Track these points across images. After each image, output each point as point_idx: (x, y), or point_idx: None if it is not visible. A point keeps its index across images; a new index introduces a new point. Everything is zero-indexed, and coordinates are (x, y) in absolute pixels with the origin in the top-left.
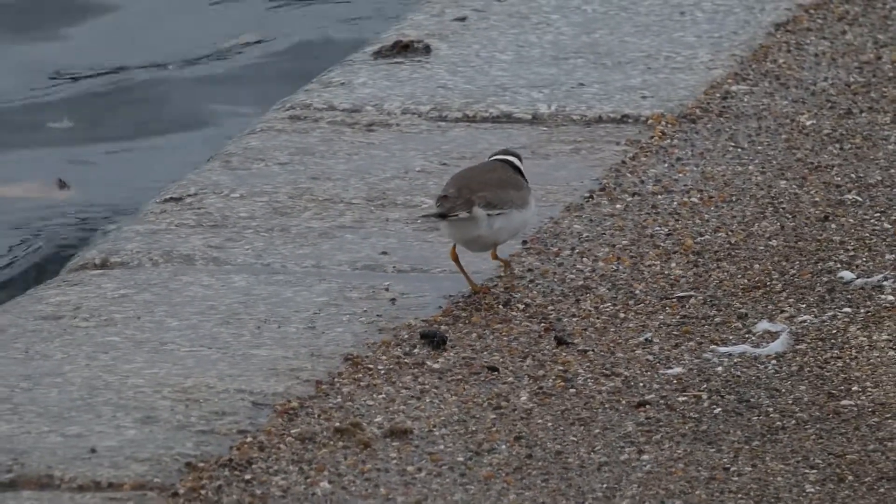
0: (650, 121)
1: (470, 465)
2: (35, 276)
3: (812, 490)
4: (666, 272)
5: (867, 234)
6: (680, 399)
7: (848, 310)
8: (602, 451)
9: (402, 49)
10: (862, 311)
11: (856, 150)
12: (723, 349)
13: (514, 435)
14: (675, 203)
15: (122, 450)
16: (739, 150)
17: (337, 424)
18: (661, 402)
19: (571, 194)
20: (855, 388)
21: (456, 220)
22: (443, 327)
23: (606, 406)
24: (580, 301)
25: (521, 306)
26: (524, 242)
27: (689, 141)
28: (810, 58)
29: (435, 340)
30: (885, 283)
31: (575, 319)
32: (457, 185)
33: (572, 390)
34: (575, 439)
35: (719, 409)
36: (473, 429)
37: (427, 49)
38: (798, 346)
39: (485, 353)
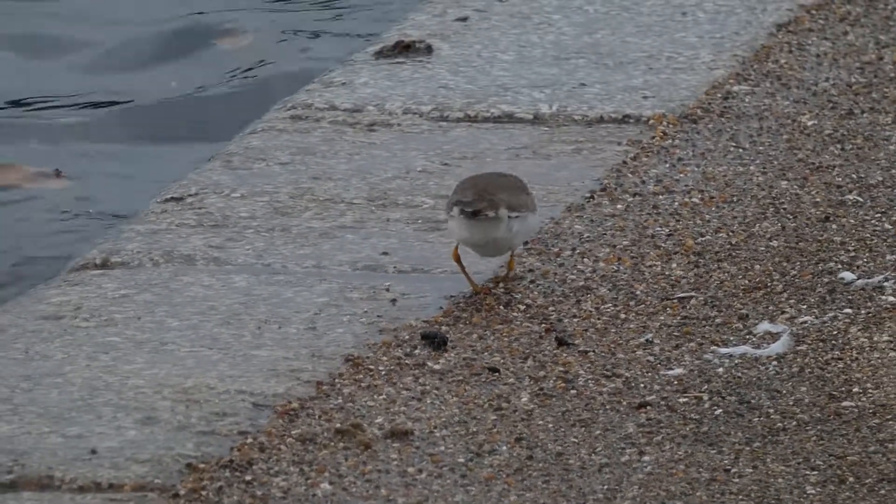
0: (651, 121)
1: (471, 466)
2: (35, 276)
3: (813, 491)
4: (667, 273)
5: (868, 235)
6: (681, 400)
7: (849, 311)
8: (603, 453)
9: (404, 49)
10: (863, 312)
11: (857, 151)
12: (723, 350)
13: (514, 436)
14: (677, 203)
15: (123, 451)
16: (741, 150)
17: (338, 425)
18: (662, 403)
19: (572, 194)
20: (856, 390)
21: (485, 220)
22: (444, 328)
23: (607, 407)
24: (581, 302)
25: (522, 307)
26: (525, 243)
27: (690, 141)
28: (812, 58)
29: (436, 341)
30: (886, 283)
31: (576, 320)
32: (474, 189)
33: (573, 391)
34: (576, 440)
35: (720, 411)
36: (474, 430)
37: (428, 49)
38: (799, 347)
39: (485, 353)
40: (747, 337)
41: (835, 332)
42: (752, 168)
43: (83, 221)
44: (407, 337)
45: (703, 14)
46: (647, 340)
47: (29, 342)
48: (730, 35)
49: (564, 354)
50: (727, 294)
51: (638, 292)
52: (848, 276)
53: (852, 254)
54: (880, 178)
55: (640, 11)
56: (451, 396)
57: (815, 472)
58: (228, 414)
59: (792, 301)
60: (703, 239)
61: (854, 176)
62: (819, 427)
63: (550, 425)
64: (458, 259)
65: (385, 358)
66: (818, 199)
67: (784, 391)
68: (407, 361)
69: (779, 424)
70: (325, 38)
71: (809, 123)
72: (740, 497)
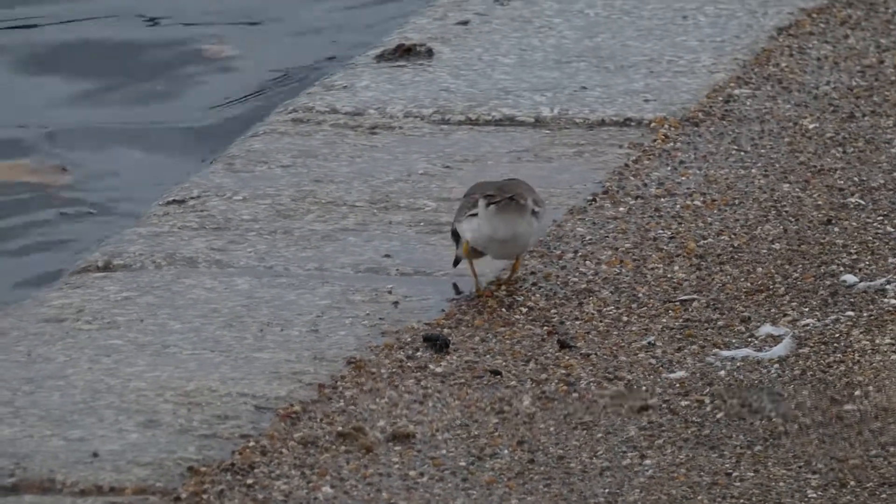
0: (653, 124)
1: (472, 469)
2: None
3: (814, 495)
4: (669, 275)
5: (870, 238)
6: (682, 403)
7: (851, 313)
8: (604, 456)
9: (405, 52)
10: (865, 314)
11: (858, 154)
12: (725, 353)
13: (516, 439)
14: (678, 206)
15: (124, 454)
16: (742, 153)
17: (339, 429)
18: (664, 406)
19: (574, 197)
20: (858, 393)
21: (517, 209)
22: (446, 330)
23: (609, 410)
24: (583, 304)
25: (524, 309)
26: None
27: (691, 144)
28: (813, 62)
29: (438, 344)
30: (888, 286)
31: (578, 323)
32: (493, 186)
33: (575, 394)
34: (577, 444)
35: (722, 414)
36: (476, 433)
37: (430, 52)
38: (801, 350)
39: (487, 356)
40: (749, 340)
41: (837, 335)
42: (753, 171)
43: (84, 223)
44: (409, 339)
45: (704, 18)
46: (648, 343)
47: (31, 345)
48: (730, 38)
49: (566, 357)
50: (729, 297)
51: (640, 295)
52: (850, 278)
53: (854, 257)
54: (882, 181)
55: (641, 15)
56: (453, 399)
57: (817, 476)
58: (230, 417)
59: (794, 304)
60: (705, 242)
61: (856, 179)
62: (820, 430)
63: (552, 428)
64: (469, 255)
65: (387, 361)
66: (820, 202)
67: (786, 394)
68: (409, 364)
69: (780, 428)
70: (326, 40)
71: (811, 126)
72: (742, 501)
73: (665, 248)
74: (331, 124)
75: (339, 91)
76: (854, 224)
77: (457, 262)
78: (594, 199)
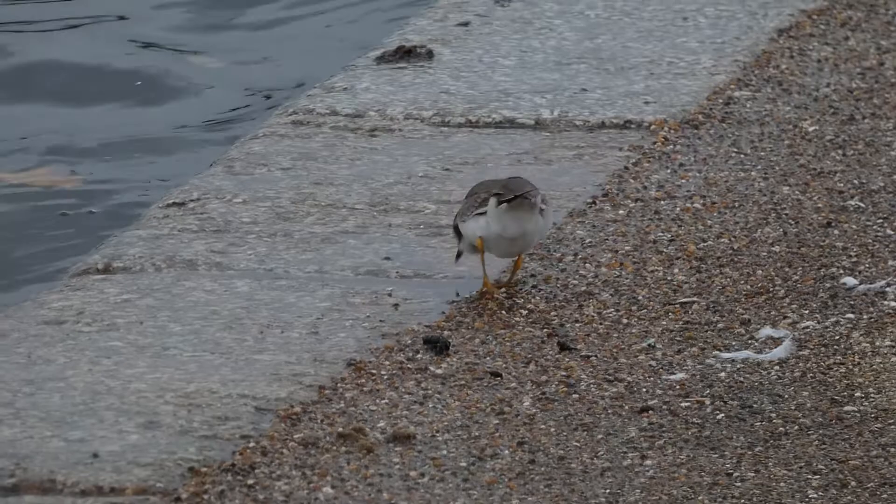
0: (653, 126)
1: (473, 470)
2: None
3: (815, 496)
4: (669, 278)
5: (870, 241)
6: (683, 405)
7: (851, 316)
8: (605, 457)
9: (405, 54)
10: (865, 317)
11: (858, 157)
12: (726, 355)
13: (516, 440)
14: (678, 209)
15: (125, 454)
16: (742, 155)
17: (340, 430)
18: (664, 407)
19: (574, 200)
20: (858, 394)
21: (527, 206)
22: (446, 332)
23: (609, 411)
24: (583, 307)
25: (524, 312)
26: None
27: (691, 147)
28: (813, 63)
29: (438, 346)
30: (888, 289)
31: (578, 325)
32: (499, 184)
33: (575, 396)
34: (578, 445)
35: (722, 415)
36: (476, 434)
37: (430, 54)
38: (801, 352)
39: (488, 358)
40: (749, 342)
41: (837, 337)
42: (753, 173)
43: (85, 225)
44: (409, 341)
45: (704, 19)
46: (649, 345)
47: (31, 347)
48: (731, 40)
49: (566, 359)
50: (729, 299)
51: (640, 297)
52: (850, 281)
53: (854, 259)
54: (882, 184)
55: (642, 17)
56: (454, 401)
57: (817, 477)
58: (230, 418)
59: (794, 306)
60: (705, 244)
61: (856, 181)
62: (821, 431)
63: (552, 429)
64: (482, 249)
65: (387, 362)
66: (820, 205)
67: (786, 396)
68: (409, 366)
69: (781, 429)
70: (326, 41)
71: (811, 129)
72: (742, 501)
73: (665, 250)
74: (331, 126)
75: (339, 93)
76: (854, 227)
77: (459, 256)
78: (594, 202)
